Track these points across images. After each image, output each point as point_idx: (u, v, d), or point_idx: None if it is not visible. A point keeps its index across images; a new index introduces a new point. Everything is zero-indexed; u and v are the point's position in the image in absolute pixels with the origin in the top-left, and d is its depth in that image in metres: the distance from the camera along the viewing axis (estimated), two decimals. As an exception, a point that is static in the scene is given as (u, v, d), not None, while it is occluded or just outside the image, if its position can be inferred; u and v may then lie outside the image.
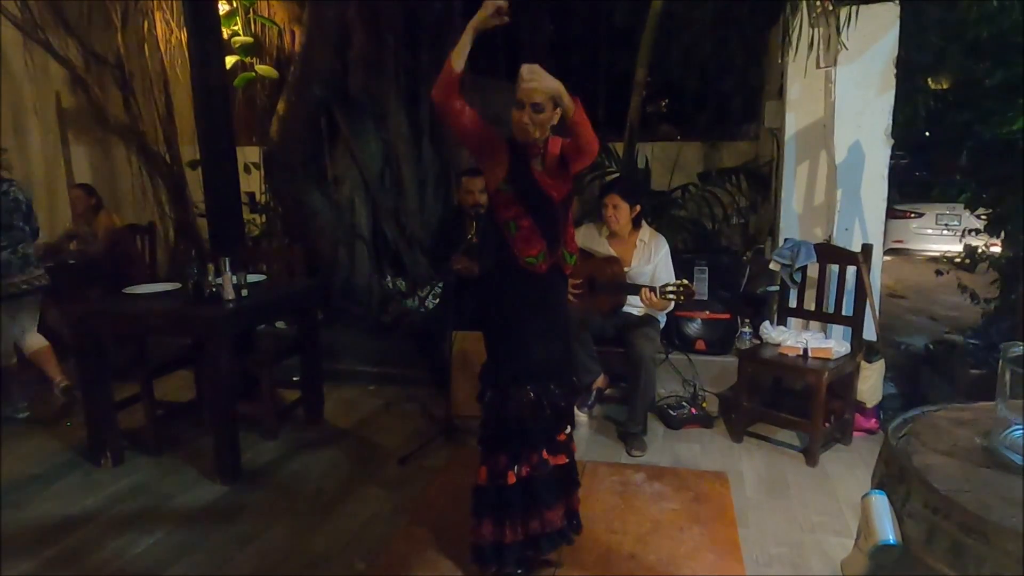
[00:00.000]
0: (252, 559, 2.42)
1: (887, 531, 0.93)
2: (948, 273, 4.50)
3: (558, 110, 2.01)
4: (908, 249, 9.17)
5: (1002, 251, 4.05)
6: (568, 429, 2.29)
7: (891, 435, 1.10)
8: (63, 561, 2.41)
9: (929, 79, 4.22)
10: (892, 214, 9.07)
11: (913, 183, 9.03)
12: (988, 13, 3.42)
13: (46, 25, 4.98)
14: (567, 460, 2.27)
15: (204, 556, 2.43)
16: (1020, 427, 1.02)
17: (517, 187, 2.10)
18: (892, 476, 1.00)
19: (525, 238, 2.12)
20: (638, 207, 3.43)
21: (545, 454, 2.16)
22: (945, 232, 8.66)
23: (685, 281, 3.15)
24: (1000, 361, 1.03)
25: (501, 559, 2.17)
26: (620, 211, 3.36)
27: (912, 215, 9.03)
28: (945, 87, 4.32)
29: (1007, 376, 1.01)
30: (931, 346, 4.43)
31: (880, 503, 0.97)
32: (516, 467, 2.13)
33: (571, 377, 2.39)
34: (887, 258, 9.23)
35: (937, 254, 8.10)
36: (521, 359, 2.15)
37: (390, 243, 5.18)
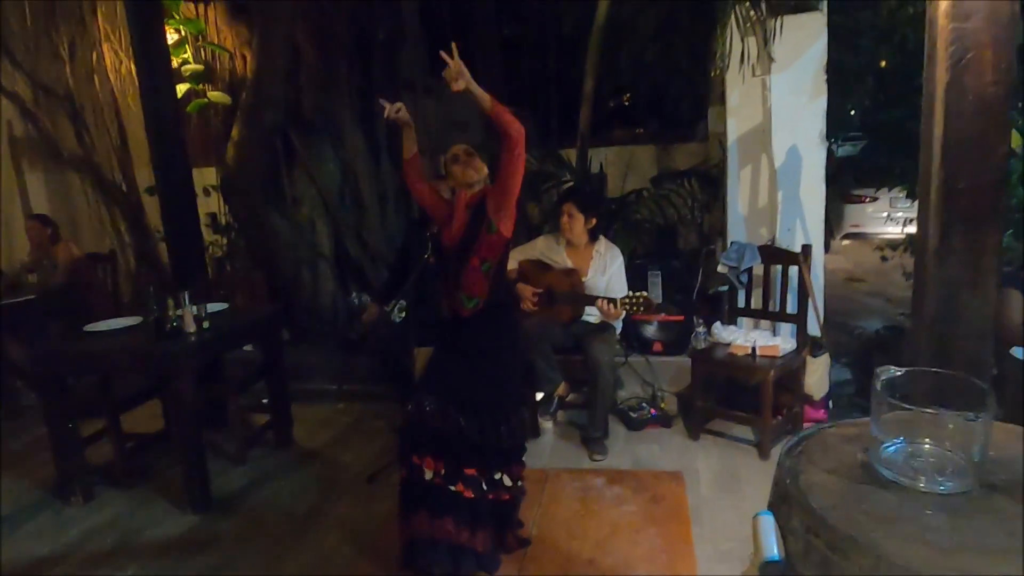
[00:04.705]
0: (224, 588, 2.49)
1: (772, 548, 1.05)
2: (892, 258, 4.69)
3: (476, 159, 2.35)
4: (865, 233, 9.39)
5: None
6: (492, 474, 2.37)
7: (784, 456, 1.21)
8: (36, 604, 2.46)
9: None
10: (848, 199, 9.25)
11: (870, 169, 9.24)
12: (910, 17, 3.58)
13: (-9, 60, 4.94)
14: (473, 496, 2.31)
15: (177, 589, 2.50)
16: (892, 443, 1.14)
17: (434, 245, 2.55)
18: (779, 496, 1.12)
19: (442, 287, 2.47)
20: (594, 219, 3.47)
21: (416, 460, 2.30)
22: (897, 215, 8.90)
23: (644, 293, 3.15)
24: (872, 383, 1.15)
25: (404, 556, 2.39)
26: (575, 220, 3.42)
27: (867, 199, 9.24)
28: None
29: (879, 397, 1.14)
30: (880, 331, 4.62)
31: (766, 523, 1.08)
32: (400, 467, 2.36)
33: (489, 415, 2.38)
34: (846, 242, 9.50)
35: (889, 237, 8.33)
36: (425, 380, 2.46)
37: (353, 260, 5.23)
